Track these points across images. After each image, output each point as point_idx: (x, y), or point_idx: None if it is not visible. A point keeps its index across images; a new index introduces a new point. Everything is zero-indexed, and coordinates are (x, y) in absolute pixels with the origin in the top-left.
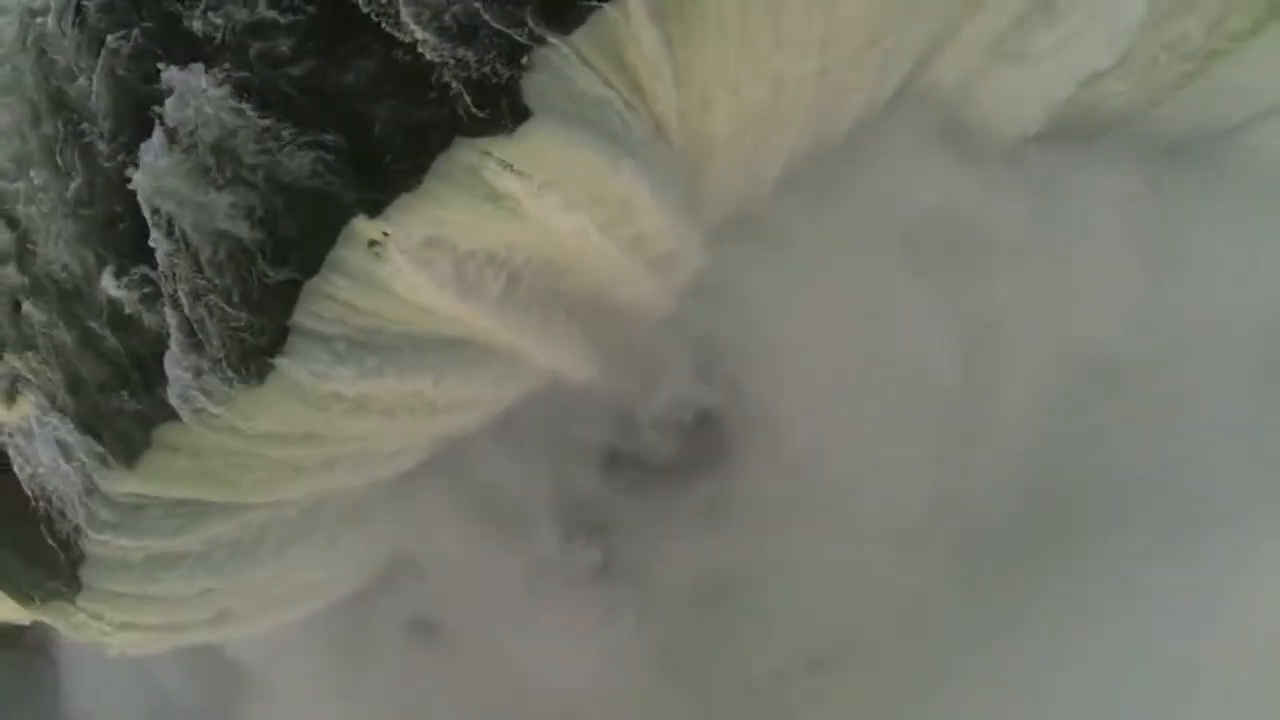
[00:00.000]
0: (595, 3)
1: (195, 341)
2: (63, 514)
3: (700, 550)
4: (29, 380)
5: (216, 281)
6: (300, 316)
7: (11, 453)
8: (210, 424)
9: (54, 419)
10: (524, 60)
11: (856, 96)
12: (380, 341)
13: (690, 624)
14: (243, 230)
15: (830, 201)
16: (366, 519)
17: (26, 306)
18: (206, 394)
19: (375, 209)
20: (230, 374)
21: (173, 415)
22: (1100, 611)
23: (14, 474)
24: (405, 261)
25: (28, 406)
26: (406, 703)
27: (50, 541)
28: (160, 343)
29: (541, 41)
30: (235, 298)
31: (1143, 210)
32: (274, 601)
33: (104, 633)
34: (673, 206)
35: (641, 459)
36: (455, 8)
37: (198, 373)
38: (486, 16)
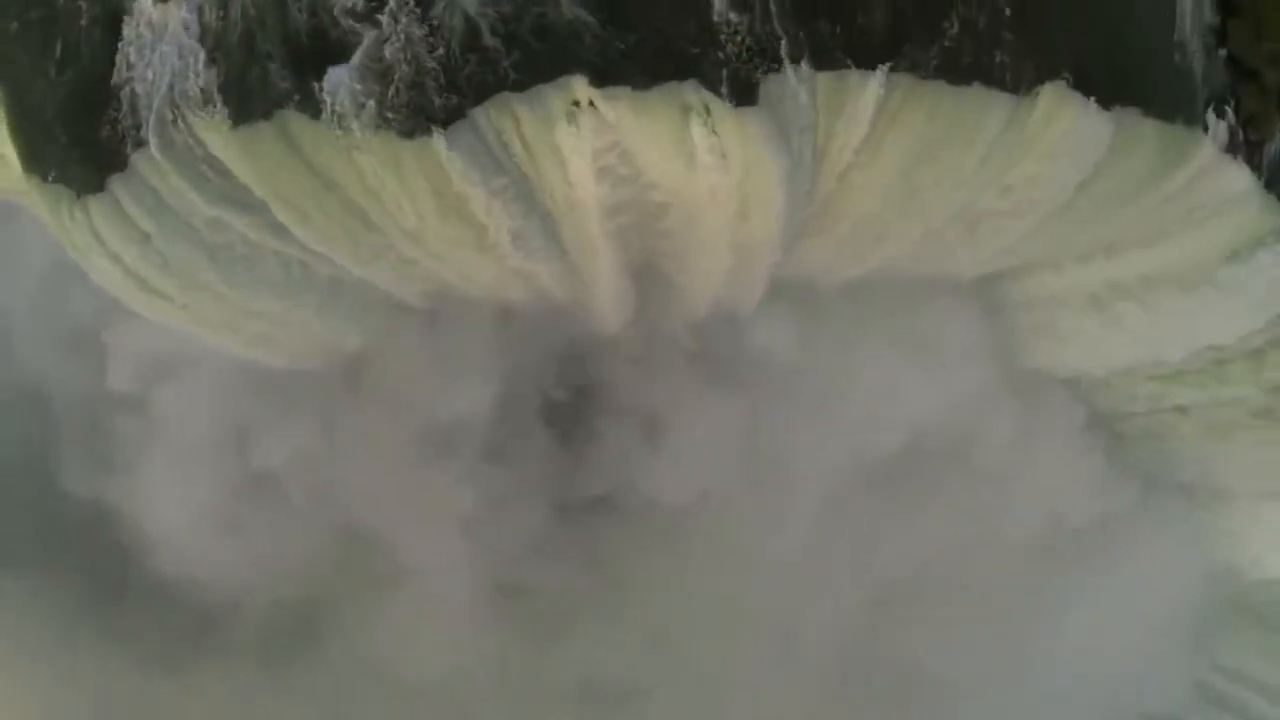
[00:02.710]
0: (851, 67)
1: (381, 70)
2: (137, 123)
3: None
4: None
5: (437, 44)
6: (482, 116)
7: (130, 40)
8: (338, 141)
9: (195, 40)
10: (778, 66)
11: (958, 262)
12: (515, 176)
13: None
14: (485, 26)
15: (868, 325)
16: (360, 312)
17: None
18: (357, 115)
19: (600, 81)
20: (393, 116)
21: (307, 109)
22: None
23: (98, 63)
24: (587, 133)
25: (175, 10)
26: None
27: (103, 137)
28: (347, 46)
29: (797, 62)
30: (443, 65)
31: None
32: (245, 331)
33: (82, 242)
34: (782, 235)
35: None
36: (756, 12)
37: (363, 93)
38: (773, 12)
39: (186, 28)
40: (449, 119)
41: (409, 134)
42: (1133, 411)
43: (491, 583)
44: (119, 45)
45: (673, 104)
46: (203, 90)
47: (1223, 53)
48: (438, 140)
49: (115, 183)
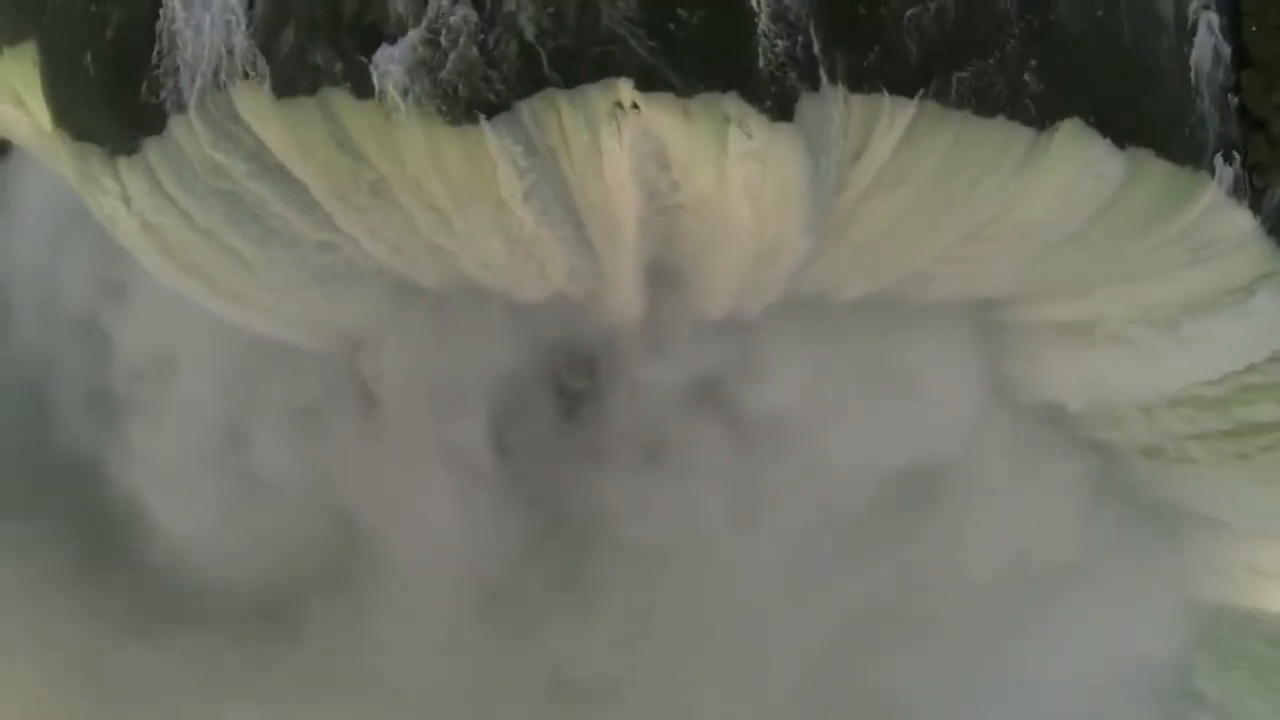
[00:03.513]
0: (885, 92)
1: (433, 54)
2: (178, 88)
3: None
4: None
5: (491, 48)
6: (526, 108)
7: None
8: (382, 123)
9: (243, 10)
10: (815, 86)
11: (963, 286)
12: (551, 170)
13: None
14: (530, 34)
15: (868, 347)
16: (370, 298)
17: None
18: (406, 96)
19: (645, 85)
20: (444, 106)
21: (352, 85)
22: None
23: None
24: (628, 134)
25: None
26: None
27: (141, 99)
28: (402, 26)
29: (834, 83)
30: (494, 62)
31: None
32: (258, 304)
33: (107, 201)
34: (800, 246)
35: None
36: (797, 35)
37: (412, 79)
38: (814, 36)
39: None
40: (497, 110)
41: (459, 124)
42: (1122, 441)
43: (475, 582)
44: (161, 8)
45: (713, 113)
46: (246, 62)
47: (1234, 101)
48: (487, 133)
49: (150, 145)
